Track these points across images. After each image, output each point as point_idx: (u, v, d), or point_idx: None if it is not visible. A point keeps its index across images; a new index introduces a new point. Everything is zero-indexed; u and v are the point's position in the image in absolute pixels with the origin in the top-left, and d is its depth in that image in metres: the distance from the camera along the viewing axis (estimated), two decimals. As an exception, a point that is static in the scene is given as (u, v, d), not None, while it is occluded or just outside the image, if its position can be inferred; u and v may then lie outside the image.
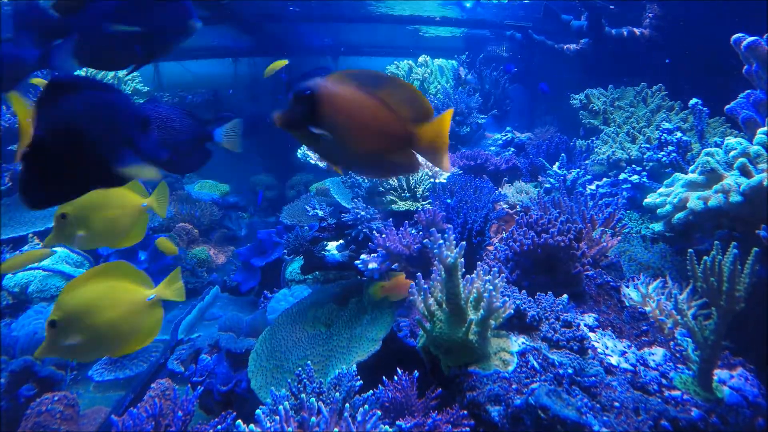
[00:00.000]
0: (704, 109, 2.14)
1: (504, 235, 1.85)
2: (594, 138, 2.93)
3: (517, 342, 1.25)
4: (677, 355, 1.21)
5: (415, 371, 1.22)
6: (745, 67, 1.67)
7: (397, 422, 1.11)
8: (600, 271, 1.60)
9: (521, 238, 1.55)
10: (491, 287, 1.14)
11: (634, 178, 2.38)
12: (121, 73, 4.30)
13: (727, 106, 1.72)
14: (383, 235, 1.70)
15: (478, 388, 1.11)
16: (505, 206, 2.38)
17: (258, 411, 1.12)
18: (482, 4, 4.62)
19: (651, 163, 2.35)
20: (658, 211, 1.66)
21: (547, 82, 3.93)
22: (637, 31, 3.37)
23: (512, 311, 1.24)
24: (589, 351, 1.22)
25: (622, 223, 1.87)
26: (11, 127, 3.06)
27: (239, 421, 1.07)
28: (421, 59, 4.17)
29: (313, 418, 1.04)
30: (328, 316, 1.82)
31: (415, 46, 5.16)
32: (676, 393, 1.08)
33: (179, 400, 1.33)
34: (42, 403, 1.62)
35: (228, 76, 5.50)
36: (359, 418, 1.04)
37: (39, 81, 2.21)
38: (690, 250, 1.10)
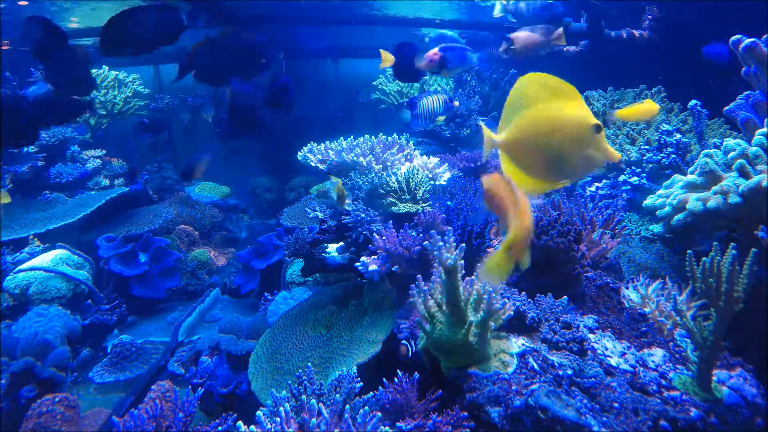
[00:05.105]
0: (703, 110, 2.14)
1: (504, 237, 1.85)
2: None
3: (516, 343, 1.25)
4: (676, 355, 1.22)
5: (416, 373, 1.22)
6: (744, 69, 1.68)
7: (398, 424, 1.11)
8: (600, 272, 1.60)
9: (521, 239, 1.55)
10: (491, 289, 1.14)
11: (634, 179, 2.39)
12: (121, 75, 4.31)
13: (726, 108, 1.72)
14: (383, 237, 1.70)
15: (478, 390, 1.11)
16: (505, 208, 2.37)
17: (258, 412, 1.12)
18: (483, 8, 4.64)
19: (650, 165, 2.35)
20: (658, 212, 1.66)
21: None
22: (636, 32, 3.38)
23: (512, 313, 1.24)
24: (589, 352, 1.22)
25: (621, 224, 1.87)
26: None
27: (240, 423, 1.08)
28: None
29: (314, 420, 1.04)
30: (328, 318, 1.82)
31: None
32: (675, 393, 1.08)
33: (180, 402, 1.33)
34: (43, 405, 1.62)
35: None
36: (360, 420, 1.04)
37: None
38: (689, 251, 1.10)
